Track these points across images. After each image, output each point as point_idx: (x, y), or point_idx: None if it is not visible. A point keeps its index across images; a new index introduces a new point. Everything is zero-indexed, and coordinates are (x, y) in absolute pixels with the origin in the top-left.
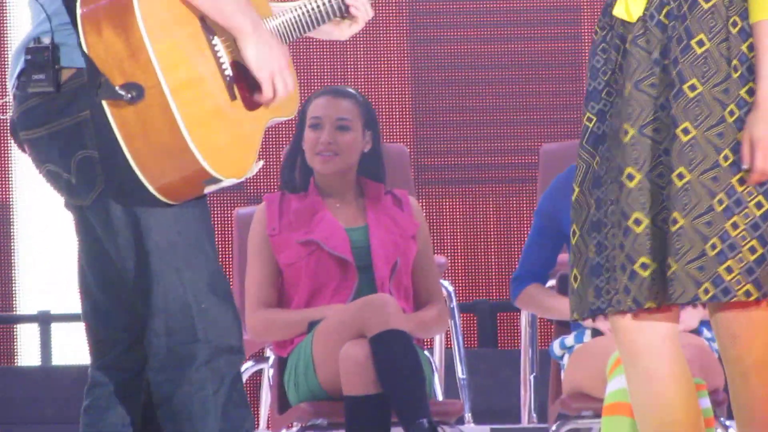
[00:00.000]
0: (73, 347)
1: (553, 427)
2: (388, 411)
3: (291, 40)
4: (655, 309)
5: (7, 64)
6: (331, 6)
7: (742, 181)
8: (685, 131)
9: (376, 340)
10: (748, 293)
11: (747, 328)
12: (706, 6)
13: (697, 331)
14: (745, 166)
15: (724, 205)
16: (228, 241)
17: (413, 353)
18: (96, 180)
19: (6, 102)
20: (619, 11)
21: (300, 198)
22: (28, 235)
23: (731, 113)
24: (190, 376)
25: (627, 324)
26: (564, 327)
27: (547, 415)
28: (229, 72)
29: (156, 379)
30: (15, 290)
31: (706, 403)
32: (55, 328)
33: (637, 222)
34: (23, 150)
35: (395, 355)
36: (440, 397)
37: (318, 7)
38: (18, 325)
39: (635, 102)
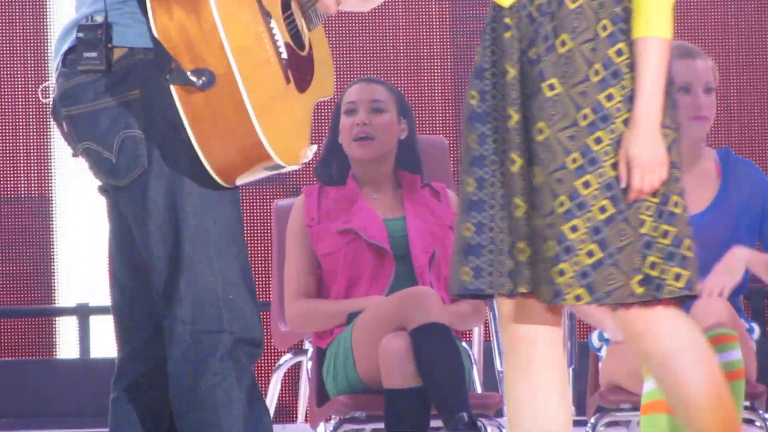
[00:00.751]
0: (111, 340)
1: (592, 420)
2: (428, 404)
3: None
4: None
5: (49, 52)
6: None
7: (587, 185)
8: (540, 131)
9: (416, 332)
10: (578, 297)
11: (649, 324)
12: (572, 6)
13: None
14: (622, 185)
15: (565, 207)
16: (267, 232)
17: (453, 346)
18: (138, 161)
19: (47, 87)
20: None
21: (338, 189)
22: (67, 229)
23: (585, 117)
24: (214, 366)
25: (510, 309)
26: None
27: (586, 408)
28: (284, 55)
29: (177, 367)
30: (55, 283)
31: (737, 354)
32: (94, 320)
33: (516, 206)
34: (60, 128)
35: (435, 348)
36: (479, 390)
37: None
38: (57, 318)
39: (508, 88)
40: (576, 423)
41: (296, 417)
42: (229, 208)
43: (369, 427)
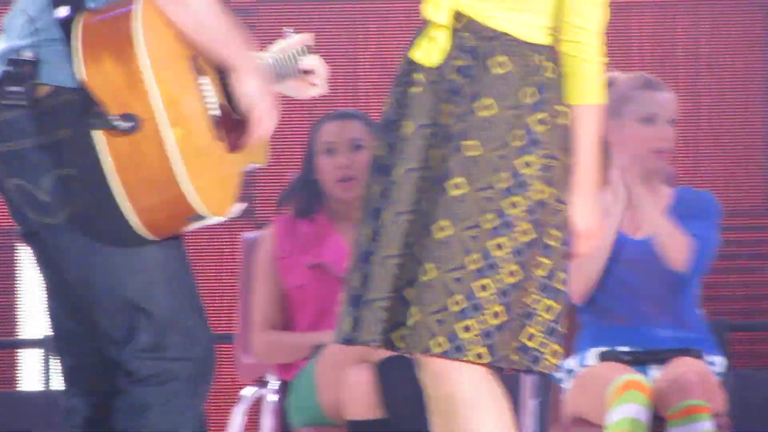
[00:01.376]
0: None
1: None
2: None
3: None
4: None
5: None
6: (292, 63)
7: (500, 246)
8: (457, 186)
9: (380, 365)
10: (479, 356)
11: (448, 368)
12: (499, 71)
13: (698, 355)
14: (568, 248)
15: (478, 266)
16: (233, 265)
17: (416, 379)
18: (73, 199)
19: None
20: (417, 55)
21: (309, 222)
22: (31, 261)
23: (502, 180)
24: (173, 389)
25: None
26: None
27: None
28: (214, 112)
29: (137, 390)
30: (18, 315)
31: (708, 426)
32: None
33: (387, 257)
34: None
35: (399, 380)
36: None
37: (281, 59)
38: (20, 350)
39: (410, 144)
40: None
41: None
42: (174, 241)
43: None
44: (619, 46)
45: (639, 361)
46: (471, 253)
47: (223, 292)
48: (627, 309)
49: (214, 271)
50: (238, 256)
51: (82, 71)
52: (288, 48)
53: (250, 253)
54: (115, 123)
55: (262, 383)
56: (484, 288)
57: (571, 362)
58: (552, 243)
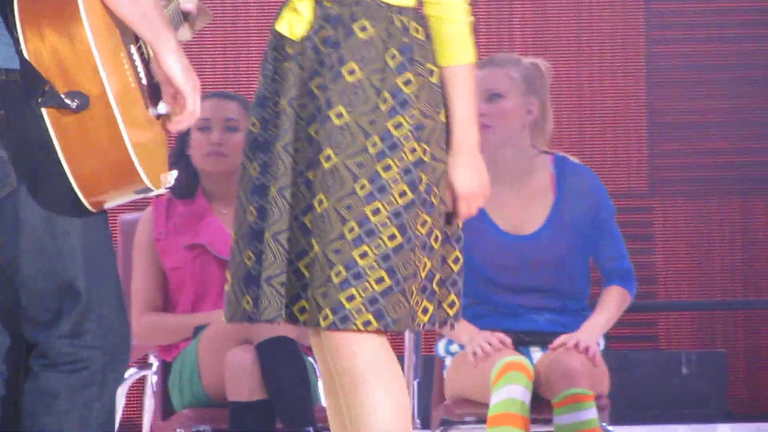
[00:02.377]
0: None
1: None
2: (273, 417)
3: None
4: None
5: None
6: (178, 12)
7: (376, 212)
8: (327, 158)
9: (262, 346)
10: (367, 323)
11: (348, 340)
12: (362, 35)
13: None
14: (449, 210)
15: (354, 234)
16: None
17: (299, 360)
18: (6, 180)
19: None
20: (282, 28)
21: (187, 203)
22: None
23: (374, 144)
24: (83, 380)
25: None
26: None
27: (431, 421)
28: (144, 81)
29: (47, 374)
30: None
31: (592, 413)
32: None
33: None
34: None
35: (281, 361)
36: (324, 404)
37: (172, 12)
38: None
39: (285, 119)
40: None
41: (141, 431)
42: (101, 224)
43: None
44: (500, 26)
45: (521, 342)
46: (347, 222)
47: None
48: (507, 297)
49: None
50: (115, 239)
51: (23, 47)
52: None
53: (128, 235)
54: (66, 101)
55: (144, 364)
56: (364, 255)
57: (454, 346)
58: (433, 200)
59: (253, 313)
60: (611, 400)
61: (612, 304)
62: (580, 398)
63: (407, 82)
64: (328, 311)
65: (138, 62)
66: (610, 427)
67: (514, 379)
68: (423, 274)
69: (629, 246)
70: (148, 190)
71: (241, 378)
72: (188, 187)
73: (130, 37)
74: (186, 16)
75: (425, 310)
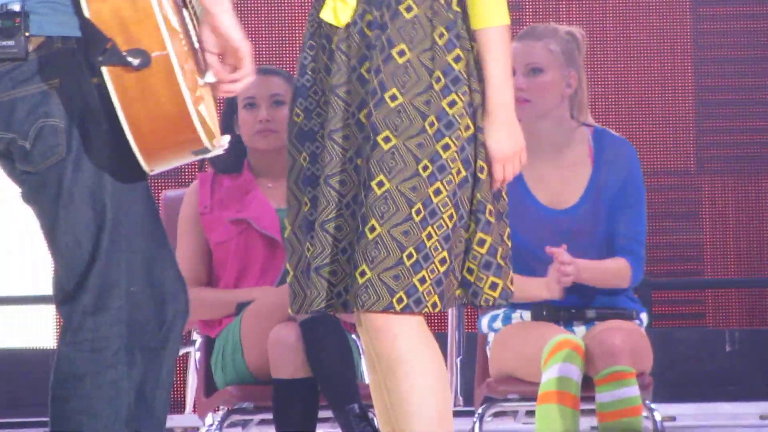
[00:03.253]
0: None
1: (480, 410)
2: (317, 395)
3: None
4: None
5: None
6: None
7: (437, 192)
8: (386, 140)
9: (306, 323)
10: (434, 305)
11: (389, 323)
12: (408, 16)
13: (631, 317)
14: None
15: (421, 216)
16: None
17: (343, 337)
18: (55, 149)
19: None
20: (326, 15)
21: (232, 178)
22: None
23: (431, 124)
24: (107, 358)
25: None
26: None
27: (474, 398)
28: (196, 45)
29: (69, 353)
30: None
31: (634, 391)
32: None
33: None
34: None
35: (325, 339)
36: (368, 381)
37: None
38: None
39: (330, 107)
40: (464, 414)
41: (184, 407)
42: (141, 202)
43: (257, 417)
44: (547, 2)
45: (565, 318)
46: (414, 204)
47: None
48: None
49: None
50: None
51: (84, 8)
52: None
53: (171, 210)
54: (129, 59)
55: (187, 341)
56: (429, 236)
57: (497, 322)
58: (481, 176)
59: (307, 302)
60: (654, 377)
61: (610, 266)
62: (622, 375)
63: (457, 59)
64: (402, 294)
65: (191, 26)
66: (653, 405)
67: (568, 358)
68: (484, 250)
69: (676, 224)
70: (206, 150)
71: (284, 355)
72: (235, 162)
73: (180, 1)
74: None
75: (493, 286)
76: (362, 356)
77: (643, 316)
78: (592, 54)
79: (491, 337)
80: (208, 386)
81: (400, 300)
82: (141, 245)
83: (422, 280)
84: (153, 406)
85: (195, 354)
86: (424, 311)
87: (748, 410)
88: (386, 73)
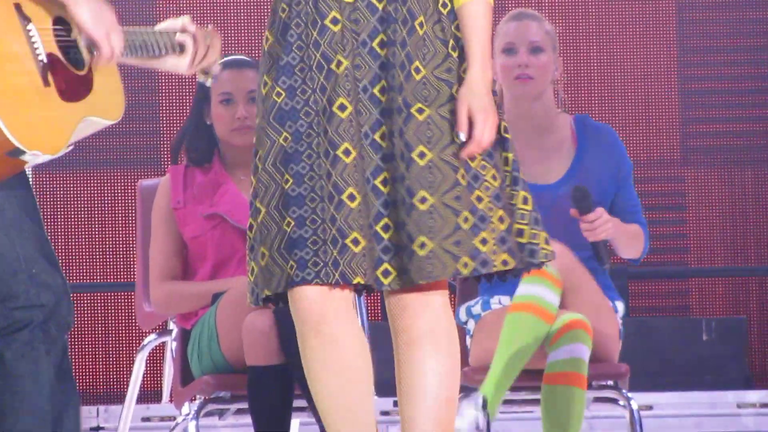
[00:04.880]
0: None
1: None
2: (292, 381)
3: (136, 54)
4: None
5: None
6: (169, 43)
7: (473, 157)
8: (420, 111)
9: (279, 310)
10: (505, 262)
11: (417, 299)
12: None
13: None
14: (463, 138)
15: (465, 180)
16: (132, 212)
17: None
18: None
19: None
20: None
21: (204, 171)
22: None
23: (457, 92)
24: (23, 337)
25: (314, 294)
26: (468, 294)
27: None
28: (42, 58)
29: None
30: None
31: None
32: None
33: (351, 197)
34: None
35: None
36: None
37: (157, 41)
38: None
39: (335, 81)
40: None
41: (161, 397)
42: (19, 186)
43: (234, 406)
44: None
45: None
46: (458, 169)
47: (120, 241)
48: None
49: (111, 218)
50: (135, 204)
51: None
52: (168, 28)
53: (147, 199)
54: None
55: (164, 331)
56: (479, 199)
57: (476, 308)
58: (507, 135)
59: (296, 275)
60: (631, 367)
61: (632, 229)
62: (577, 324)
63: (457, 27)
64: (467, 259)
65: (38, 41)
66: (630, 394)
67: (540, 281)
68: (530, 207)
69: (662, 216)
70: (22, 152)
71: (258, 342)
72: (206, 153)
73: (37, 17)
74: (181, 47)
75: (548, 240)
76: None
77: (619, 304)
78: (575, 44)
79: (471, 324)
80: (185, 376)
81: (465, 264)
82: (30, 227)
83: (483, 241)
84: (69, 386)
85: (171, 344)
86: (493, 270)
87: (725, 399)
88: (411, 46)
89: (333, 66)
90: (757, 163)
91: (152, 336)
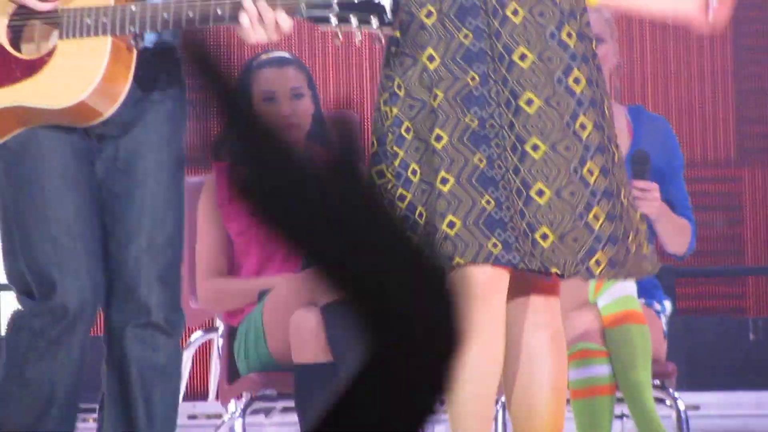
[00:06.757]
0: None
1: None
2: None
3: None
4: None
5: None
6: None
7: (587, 148)
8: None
9: (327, 308)
10: (598, 262)
11: (551, 300)
12: None
13: (648, 303)
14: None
15: (578, 175)
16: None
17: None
18: None
19: None
20: None
21: None
22: None
23: (559, 80)
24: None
25: (505, 278)
26: None
27: None
28: None
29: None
30: None
31: (604, 370)
32: None
33: (540, 193)
34: None
35: (346, 323)
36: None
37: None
38: None
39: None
40: None
41: (207, 394)
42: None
43: (280, 404)
44: None
45: None
46: (571, 163)
47: None
48: None
49: None
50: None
51: None
52: None
53: (194, 198)
54: None
55: (210, 328)
56: (594, 194)
57: None
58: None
59: (501, 255)
60: (678, 366)
61: (680, 221)
62: (590, 353)
63: (572, 13)
64: (583, 254)
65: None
66: (676, 394)
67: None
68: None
69: (717, 215)
70: None
71: (305, 340)
72: None
73: None
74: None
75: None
76: None
77: (667, 303)
78: (631, 41)
79: None
80: (231, 373)
81: (597, 263)
82: (45, 227)
83: (598, 239)
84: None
85: (218, 341)
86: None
87: None
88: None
89: (520, 59)
90: None
91: (199, 333)
